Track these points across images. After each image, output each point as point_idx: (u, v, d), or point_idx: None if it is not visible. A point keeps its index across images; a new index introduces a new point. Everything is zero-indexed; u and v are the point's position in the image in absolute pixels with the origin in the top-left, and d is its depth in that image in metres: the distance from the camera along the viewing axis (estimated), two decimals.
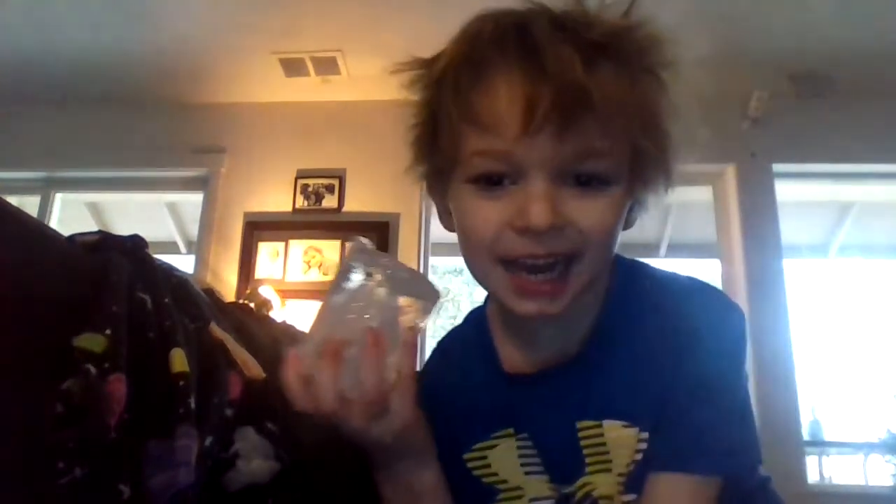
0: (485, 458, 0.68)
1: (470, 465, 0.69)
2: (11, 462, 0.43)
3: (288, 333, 1.05)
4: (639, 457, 0.62)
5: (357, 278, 0.53)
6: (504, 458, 0.67)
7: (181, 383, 0.54)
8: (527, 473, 0.67)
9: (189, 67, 3.35)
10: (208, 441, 0.56)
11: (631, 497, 0.62)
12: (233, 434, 0.61)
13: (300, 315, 3.15)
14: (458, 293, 7.68)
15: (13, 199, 0.54)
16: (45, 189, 3.65)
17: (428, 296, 0.54)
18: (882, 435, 3.46)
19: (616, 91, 0.55)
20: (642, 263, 0.70)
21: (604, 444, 0.63)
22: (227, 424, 0.60)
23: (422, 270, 3.33)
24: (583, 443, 0.64)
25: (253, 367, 0.68)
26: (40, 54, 3.25)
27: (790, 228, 3.29)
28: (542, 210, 0.54)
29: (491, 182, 0.57)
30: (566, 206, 0.56)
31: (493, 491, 0.68)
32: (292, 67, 3.28)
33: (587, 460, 0.64)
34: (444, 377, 0.74)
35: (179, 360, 0.55)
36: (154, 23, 3.01)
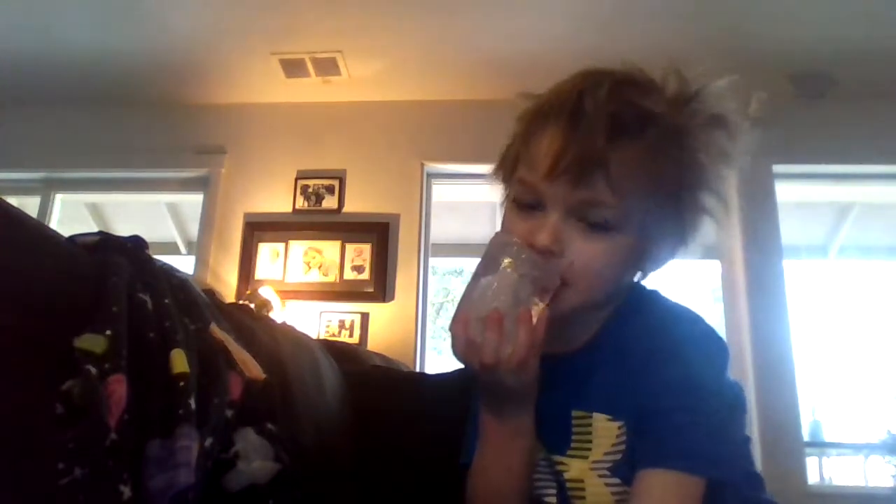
0: None
1: None
2: (12, 462, 0.43)
3: (288, 334, 1.05)
4: (616, 448, 0.72)
5: (502, 264, 0.68)
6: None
7: (181, 384, 0.54)
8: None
9: (189, 68, 3.35)
10: (208, 442, 0.56)
11: (615, 480, 0.72)
12: (233, 435, 0.61)
13: (300, 315, 3.15)
14: (458, 294, 7.68)
15: (13, 200, 0.54)
16: (46, 190, 3.65)
17: (548, 280, 0.67)
18: (882, 436, 3.46)
19: (632, 161, 0.68)
20: (656, 293, 0.81)
21: (590, 432, 0.73)
22: (228, 425, 0.60)
23: (421, 271, 3.33)
24: (574, 428, 0.74)
25: (253, 368, 0.68)
26: (40, 55, 3.25)
27: (790, 229, 3.29)
28: (545, 234, 0.69)
29: (524, 206, 0.73)
30: (570, 240, 0.70)
31: None
32: (293, 68, 3.29)
33: (572, 444, 0.74)
34: None
35: (180, 361, 0.55)
36: (154, 24, 3.01)
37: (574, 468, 0.74)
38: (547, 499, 0.76)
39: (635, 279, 0.78)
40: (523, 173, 0.73)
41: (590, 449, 0.73)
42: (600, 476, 0.72)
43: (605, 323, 0.77)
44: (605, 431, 0.73)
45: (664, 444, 0.67)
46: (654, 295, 0.81)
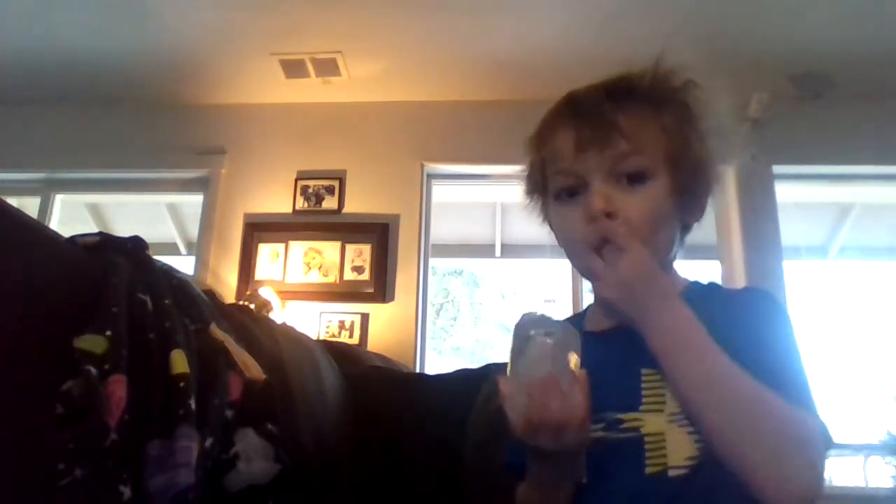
0: None
1: None
2: (12, 463, 0.43)
3: (288, 335, 1.05)
4: None
5: (539, 339, 0.72)
6: None
7: (181, 384, 0.54)
8: None
9: (190, 69, 3.35)
10: (209, 442, 0.56)
11: (694, 429, 0.73)
12: (233, 435, 0.61)
13: (300, 316, 3.15)
14: (458, 294, 7.68)
15: (13, 201, 0.54)
16: (46, 190, 3.65)
17: (574, 340, 0.72)
18: (882, 436, 3.45)
19: (638, 116, 0.80)
20: (717, 283, 0.90)
21: (662, 387, 0.76)
22: (228, 426, 0.60)
23: (421, 272, 3.33)
24: (644, 385, 0.78)
25: (253, 369, 0.68)
26: (41, 55, 3.25)
27: (790, 230, 3.29)
28: (597, 200, 0.77)
29: (568, 194, 0.81)
30: (618, 199, 0.78)
31: None
32: (293, 69, 3.28)
33: (644, 400, 0.77)
34: None
35: (180, 362, 0.55)
36: (154, 24, 3.01)
37: (650, 422, 0.76)
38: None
39: (683, 237, 0.88)
40: (552, 167, 0.82)
41: (664, 402, 0.76)
42: (681, 426, 0.74)
43: (684, 289, 0.84)
44: None
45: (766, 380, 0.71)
46: (715, 283, 0.90)
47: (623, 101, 0.81)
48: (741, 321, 0.77)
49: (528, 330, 0.72)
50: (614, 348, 0.80)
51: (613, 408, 0.78)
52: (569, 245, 0.83)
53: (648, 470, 0.74)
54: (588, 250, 0.78)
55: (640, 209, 0.78)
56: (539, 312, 0.75)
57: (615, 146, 0.78)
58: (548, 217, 0.89)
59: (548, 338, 0.72)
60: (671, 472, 0.73)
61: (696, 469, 0.72)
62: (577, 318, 0.92)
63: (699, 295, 0.82)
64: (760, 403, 0.68)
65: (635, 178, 0.79)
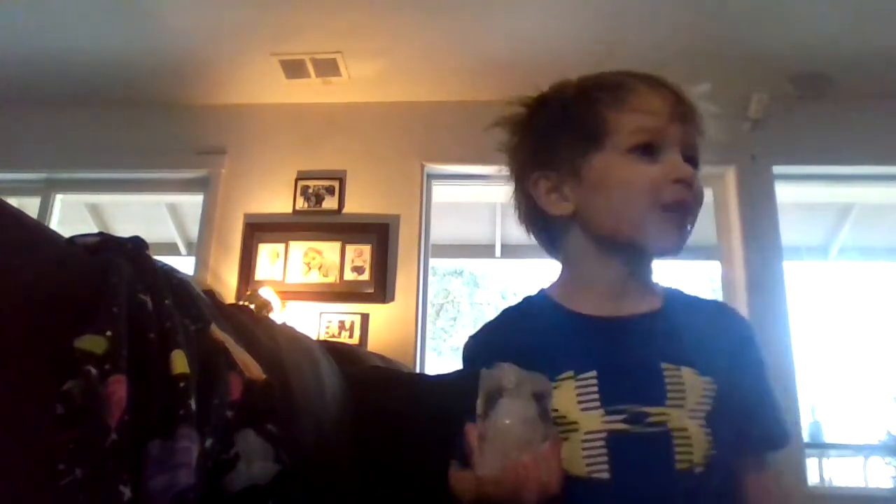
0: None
1: None
2: (12, 463, 0.43)
3: (288, 335, 1.05)
4: (704, 400, 0.79)
5: (512, 395, 0.71)
6: (563, 398, 0.80)
7: (182, 384, 0.54)
8: (583, 410, 0.80)
9: (190, 69, 3.35)
10: (209, 442, 0.56)
11: (708, 429, 0.78)
12: (233, 436, 0.61)
13: (300, 316, 3.15)
14: (458, 294, 7.68)
15: (13, 201, 0.54)
16: (46, 190, 3.65)
17: (548, 391, 0.72)
18: (882, 437, 3.46)
19: (700, 115, 0.87)
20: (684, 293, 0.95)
21: (682, 383, 0.79)
22: (228, 426, 0.60)
23: (421, 272, 3.33)
24: (667, 380, 0.79)
25: (253, 369, 0.68)
26: (41, 56, 3.25)
27: (790, 230, 3.29)
28: (685, 169, 0.83)
29: (644, 151, 0.84)
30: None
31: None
32: (293, 69, 3.29)
33: (668, 395, 0.79)
34: (509, 332, 0.92)
35: (180, 362, 0.55)
36: (155, 24, 3.02)
37: (675, 418, 0.77)
38: (598, 475, 0.77)
39: None
40: (638, 122, 0.84)
41: (684, 398, 0.79)
42: (698, 422, 0.78)
43: (664, 292, 0.90)
44: (693, 384, 0.79)
45: (775, 425, 0.86)
46: (681, 290, 0.94)
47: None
48: (747, 362, 0.85)
49: (500, 381, 0.71)
50: (628, 338, 0.83)
51: (633, 400, 0.78)
52: (637, 196, 0.84)
53: (679, 466, 0.76)
54: (655, 205, 0.82)
55: (699, 186, 0.85)
56: (506, 365, 0.73)
57: (694, 130, 0.86)
58: (579, 171, 0.87)
59: (519, 392, 0.70)
60: (696, 469, 0.76)
61: (711, 464, 0.76)
62: (544, 299, 0.92)
63: (681, 303, 0.89)
64: None
65: (692, 162, 0.85)
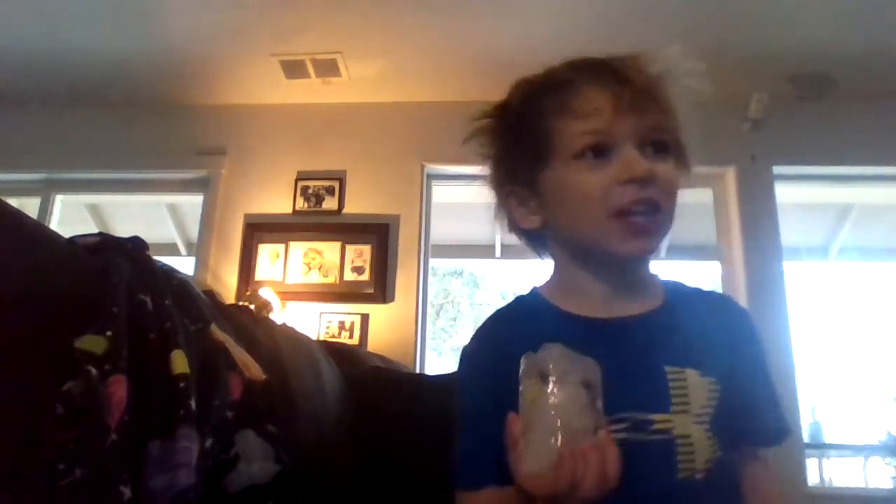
0: None
1: None
2: (12, 463, 0.43)
3: (288, 335, 1.05)
4: (709, 403, 0.76)
5: (569, 382, 0.63)
6: None
7: (182, 385, 0.54)
8: None
9: (190, 69, 3.35)
10: (209, 442, 0.56)
11: (711, 433, 0.75)
12: (233, 435, 0.61)
13: (300, 317, 3.15)
14: (458, 295, 7.68)
15: (13, 201, 0.54)
16: (46, 190, 3.65)
17: (595, 372, 0.64)
18: (882, 437, 3.45)
19: (663, 91, 0.79)
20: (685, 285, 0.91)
21: (686, 387, 0.75)
22: (228, 426, 0.60)
23: (421, 272, 3.33)
24: (671, 384, 0.76)
25: (253, 369, 0.68)
26: (41, 55, 3.25)
27: (790, 231, 3.29)
28: (642, 163, 0.75)
29: (595, 154, 0.77)
30: (652, 166, 0.76)
31: None
32: (293, 69, 3.29)
33: (673, 400, 0.75)
34: (502, 336, 0.85)
35: (180, 362, 0.55)
36: (155, 25, 3.02)
37: (680, 424, 0.74)
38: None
39: None
40: (581, 126, 0.78)
41: (689, 403, 0.75)
42: (702, 427, 0.74)
43: (663, 286, 0.85)
44: (698, 387, 0.76)
45: (777, 420, 0.85)
46: (682, 283, 0.90)
47: (651, 74, 0.80)
48: (749, 356, 0.83)
49: (547, 365, 0.64)
50: (629, 340, 0.79)
51: (636, 407, 0.74)
52: (589, 206, 0.78)
53: (681, 475, 0.73)
54: (609, 213, 0.76)
55: (669, 178, 0.78)
56: (554, 346, 0.65)
57: (654, 115, 0.78)
58: (535, 184, 0.83)
59: (568, 378, 0.63)
60: (697, 476, 0.73)
61: (713, 469, 0.74)
62: (537, 299, 0.87)
63: (682, 298, 0.85)
64: None
65: (660, 149, 0.78)
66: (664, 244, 3.75)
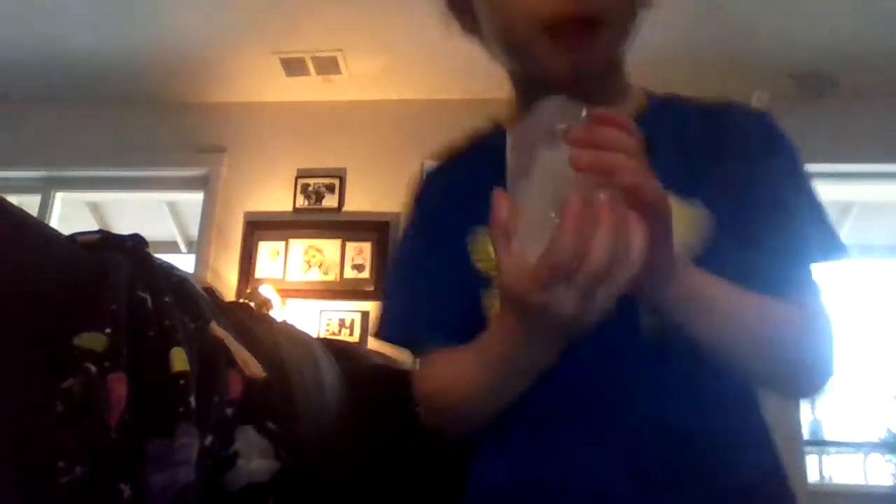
0: (485, 243, 0.67)
1: (470, 249, 0.70)
2: (12, 461, 0.43)
3: (288, 333, 1.05)
4: (692, 237, 0.63)
5: (556, 146, 0.46)
6: None
7: (181, 382, 0.54)
8: None
9: (190, 67, 3.35)
10: (209, 440, 0.56)
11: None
12: (233, 433, 0.61)
13: (300, 314, 3.15)
14: None
15: (13, 199, 0.54)
16: (46, 188, 3.65)
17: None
18: (882, 434, 3.46)
19: None
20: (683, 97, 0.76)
21: None
22: (228, 423, 0.60)
23: None
24: None
25: (253, 367, 0.68)
26: (41, 54, 3.25)
27: None
28: None
29: None
30: None
31: (487, 281, 0.68)
32: (293, 67, 3.28)
33: None
34: (451, 164, 0.79)
35: (180, 359, 0.55)
36: (155, 22, 3.01)
37: None
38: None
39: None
40: None
41: None
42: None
43: (637, 106, 0.72)
44: (679, 218, 0.58)
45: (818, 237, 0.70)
46: (679, 96, 0.76)
47: None
48: (774, 168, 0.67)
49: (545, 122, 0.47)
50: None
51: None
52: (516, 20, 0.64)
53: (646, 331, 0.62)
54: (536, 28, 0.62)
55: None
56: (557, 97, 0.49)
57: None
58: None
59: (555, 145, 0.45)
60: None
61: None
62: (493, 130, 0.77)
63: (664, 113, 0.72)
64: (786, 333, 0.65)
65: None
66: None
